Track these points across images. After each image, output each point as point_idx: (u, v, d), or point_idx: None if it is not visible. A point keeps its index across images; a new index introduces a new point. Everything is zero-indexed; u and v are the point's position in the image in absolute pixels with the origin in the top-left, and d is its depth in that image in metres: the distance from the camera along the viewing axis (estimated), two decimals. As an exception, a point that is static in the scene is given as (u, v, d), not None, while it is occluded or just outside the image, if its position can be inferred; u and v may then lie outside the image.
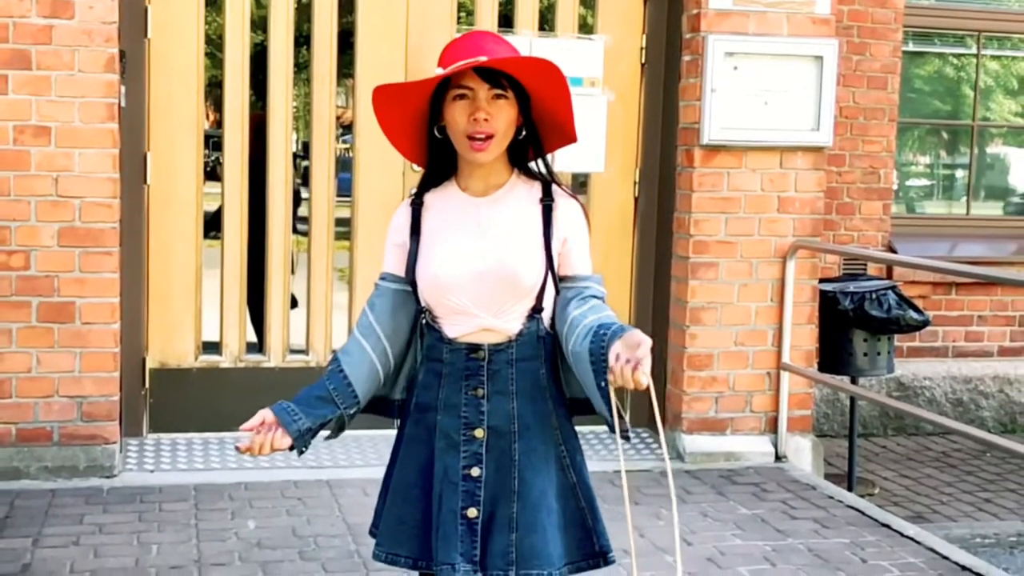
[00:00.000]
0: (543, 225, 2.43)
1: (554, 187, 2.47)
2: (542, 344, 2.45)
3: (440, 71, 2.36)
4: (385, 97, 2.42)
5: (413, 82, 2.40)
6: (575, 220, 2.47)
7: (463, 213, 2.45)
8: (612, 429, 2.34)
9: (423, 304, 2.46)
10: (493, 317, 2.42)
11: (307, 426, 2.40)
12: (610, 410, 2.27)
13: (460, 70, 2.33)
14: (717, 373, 5.49)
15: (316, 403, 2.43)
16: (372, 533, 2.59)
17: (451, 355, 2.44)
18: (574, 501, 2.48)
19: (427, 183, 2.51)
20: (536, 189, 2.47)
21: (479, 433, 2.43)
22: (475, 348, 2.43)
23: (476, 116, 2.35)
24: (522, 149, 2.47)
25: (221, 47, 5.32)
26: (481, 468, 2.42)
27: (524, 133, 2.44)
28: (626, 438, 2.33)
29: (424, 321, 2.48)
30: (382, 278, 2.52)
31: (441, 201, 2.48)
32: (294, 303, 5.59)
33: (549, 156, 2.53)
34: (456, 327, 2.43)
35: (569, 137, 2.49)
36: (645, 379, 2.13)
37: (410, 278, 2.46)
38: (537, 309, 2.44)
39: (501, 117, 2.37)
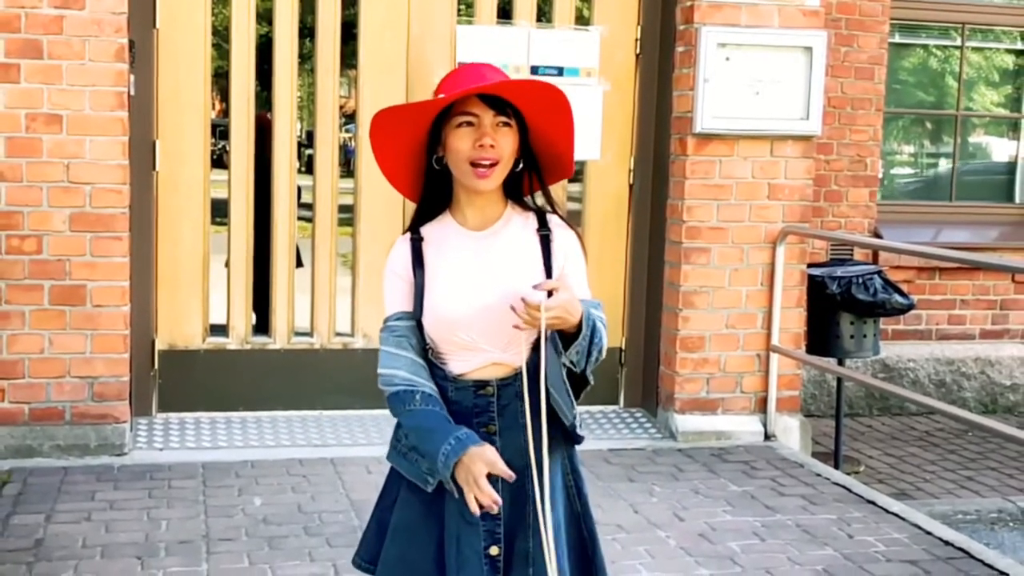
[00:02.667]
0: (542, 255, 2.40)
1: (549, 217, 2.44)
2: None
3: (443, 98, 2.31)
4: (385, 123, 2.35)
5: (416, 104, 2.37)
6: (572, 249, 2.43)
7: (463, 248, 2.40)
8: (563, 420, 2.37)
9: (428, 342, 2.39)
10: (501, 351, 2.36)
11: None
12: (567, 393, 2.33)
13: (468, 93, 2.29)
14: (709, 355, 5.58)
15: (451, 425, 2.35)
16: (357, 564, 2.54)
17: (457, 393, 2.38)
18: (577, 530, 2.46)
19: (422, 217, 2.45)
20: (532, 220, 2.43)
21: None
22: (482, 385, 2.37)
23: (483, 142, 2.30)
24: (517, 181, 2.43)
25: (228, 38, 5.41)
26: (499, 506, 2.34)
27: (521, 165, 2.40)
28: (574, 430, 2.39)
29: (429, 358, 2.41)
30: (397, 318, 2.40)
31: (439, 235, 2.42)
32: (299, 263, 5.65)
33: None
34: (463, 363, 2.38)
35: (566, 170, 2.47)
36: (534, 300, 2.18)
37: (417, 316, 2.38)
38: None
39: (505, 144, 2.32)
